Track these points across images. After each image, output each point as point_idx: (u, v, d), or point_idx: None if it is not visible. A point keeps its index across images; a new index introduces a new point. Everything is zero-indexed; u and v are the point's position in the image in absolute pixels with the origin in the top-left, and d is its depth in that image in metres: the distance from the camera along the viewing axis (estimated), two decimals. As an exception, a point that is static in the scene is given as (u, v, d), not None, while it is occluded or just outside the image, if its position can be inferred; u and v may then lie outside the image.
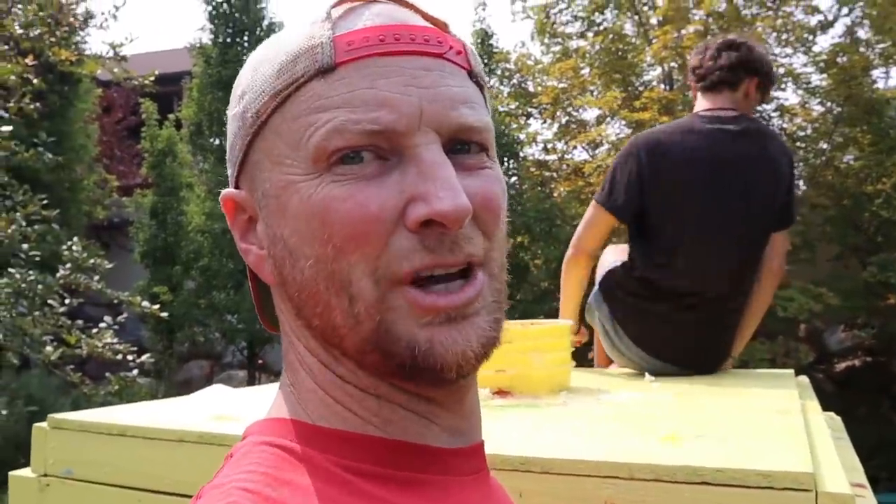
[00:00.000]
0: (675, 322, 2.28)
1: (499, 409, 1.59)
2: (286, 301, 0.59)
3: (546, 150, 11.25)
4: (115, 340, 5.29)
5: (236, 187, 0.62)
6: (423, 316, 0.53)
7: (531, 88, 11.14)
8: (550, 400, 1.67)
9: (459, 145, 0.56)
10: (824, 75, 9.67)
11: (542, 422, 1.46)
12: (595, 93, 10.20)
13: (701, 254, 2.27)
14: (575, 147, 10.37)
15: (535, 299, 9.35)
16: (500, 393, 1.76)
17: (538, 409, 1.59)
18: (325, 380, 0.58)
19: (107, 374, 5.56)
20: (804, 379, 2.13)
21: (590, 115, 10.65)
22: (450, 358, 0.53)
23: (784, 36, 9.65)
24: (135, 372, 5.53)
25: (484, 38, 10.89)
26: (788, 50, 9.81)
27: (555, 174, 10.96)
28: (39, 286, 5.01)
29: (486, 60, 10.97)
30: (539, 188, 10.71)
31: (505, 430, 1.38)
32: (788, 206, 2.34)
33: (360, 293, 0.53)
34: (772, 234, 2.34)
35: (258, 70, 0.58)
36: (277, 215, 0.56)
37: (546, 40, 10.86)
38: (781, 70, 9.83)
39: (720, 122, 2.32)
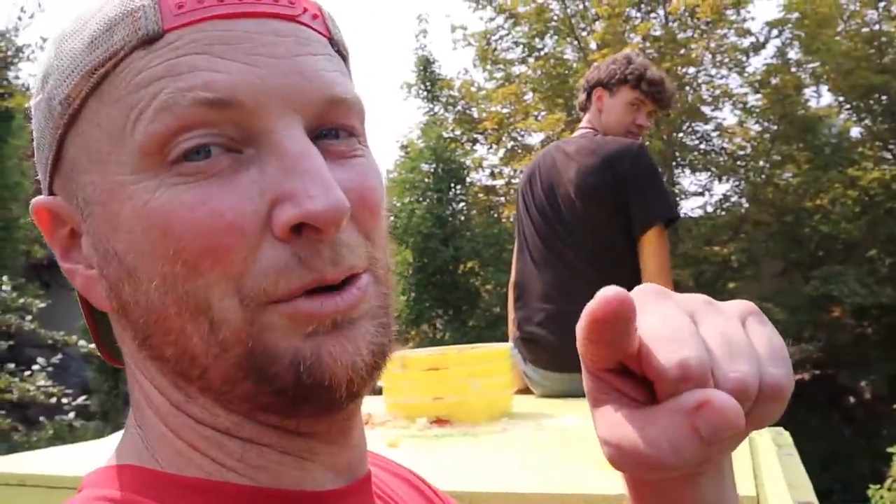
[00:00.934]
0: (534, 328, 2.34)
1: (434, 440, 1.51)
2: (128, 329, 0.49)
3: (493, 175, 11.29)
4: (49, 383, 5.08)
5: (51, 194, 0.51)
6: (307, 325, 0.44)
7: (475, 115, 11.19)
8: (489, 427, 1.59)
9: (325, 130, 0.47)
10: (759, 95, 9.91)
11: (478, 452, 1.38)
12: (539, 117, 10.28)
13: (527, 268, 2.43)
14: (521, 171, 10.42)
15: (487, 325, 9.29)
16: (439, 422, 1.68)
17: (475, 437, 1.51)
18: (176, 422, 0.48)
19: (41, 419, 5.32)
20: (750, 394, 2.09)
21: (534, 139, 10.73)
22: (339, 371, 0.44)
23: (718, 57, 9.88)
24: (71, 415, 5.30)
25: (426, 64, 10.92)
26: (724, 71, 10.04)
27: (503, 199, 10.98)
28: (-37, 329, 4.80)
29: (429, 87, 11.00)
30: (487, 213, 10.72)
31: (438, 462, 1.30)
32: (628, 216, 2.27)
33: (223, 316, 0.43)
34: (636, 244, 2.28)
35: (63, 46, 0.47)
36: (107, 227, 0.46)
37: (488, 66, 10.95)
38: (717, 91, 10.05)
39: (563, 143, 2.50)
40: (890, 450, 4.15)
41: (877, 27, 9.82)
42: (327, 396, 0.44)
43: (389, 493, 0.58)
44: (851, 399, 9.61)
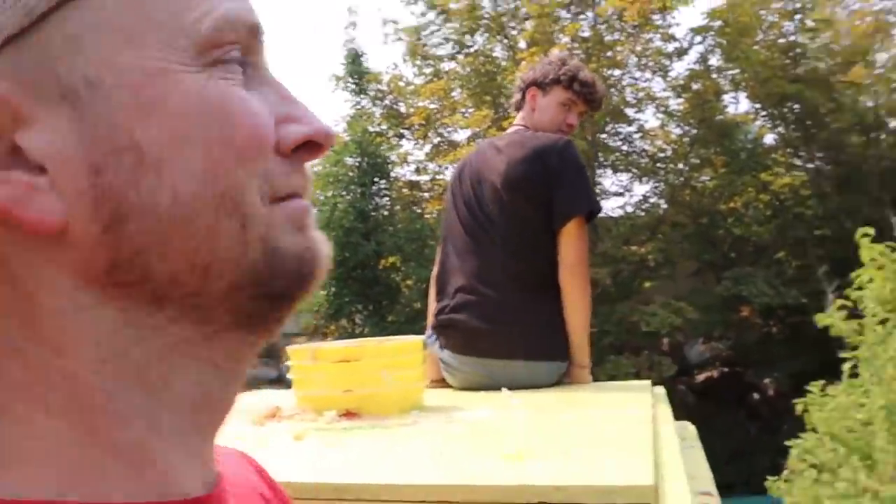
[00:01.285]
0: (452, 314, 2.37)
1: (343, 432, 1.48)
2: (98, 254, 0.41)
3: (418, 170, 11.28)
4: None
5: None
6: (300, 220, 0.48)
7: (403, 109, 11.16)
8: (399, 420, 1.57)
9: None
10: (681, 99, 10.18)
11: (388, 444, 1.36)
12: (466, 113, 10.32)
13: (449, 260, 2.47)
14: (447, 167, 10.44)
15: (407, 320, 9.28)
16: (348, 415, 1.65)
17: (385, 430, 1.49)
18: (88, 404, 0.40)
19: None
20: (660, 389, 2.13)
21: (461, 135, 10.77)
22: (323, 259, 0.48)
23: (643, 61, 10.09)
24: None
25: (355, 58, 10.82)
26: (648, 74, 10.27)
27: (426, 194, 10.98)
28: None
29: (357, 80, 10.90)
30: (410, 209, 10.71)
31: (346, 454, 1.27)
32: (551, 209, 2.33)
33: (254, 212, 0.44)
34: (556, 236, 2.33)
35: None
36: (135, 113, 0.41)
37: (418, 62, 10.92)
38: (641, 94, 10.28)
39: (495, 139, 2.59)
40: (787, 443, 4.32)
41: (793, 38, 10.20)
42: (310, 286, 0.47)
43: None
44: (756, 396, 9.97)
